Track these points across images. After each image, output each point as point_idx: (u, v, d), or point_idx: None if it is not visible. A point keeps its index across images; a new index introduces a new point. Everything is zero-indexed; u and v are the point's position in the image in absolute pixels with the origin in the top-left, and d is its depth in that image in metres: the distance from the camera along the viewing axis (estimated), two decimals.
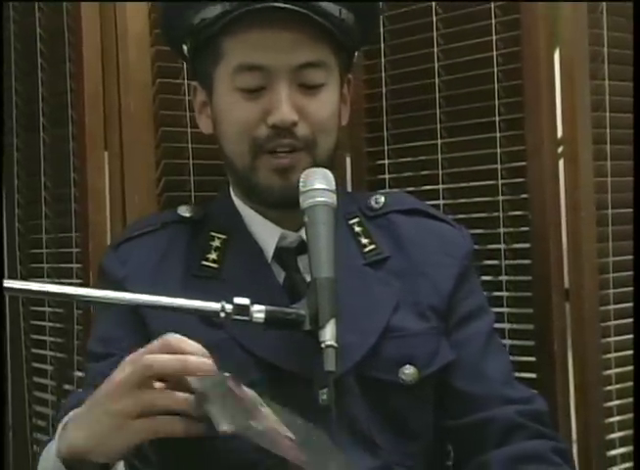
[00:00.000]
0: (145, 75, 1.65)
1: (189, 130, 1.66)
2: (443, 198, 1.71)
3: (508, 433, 1.27)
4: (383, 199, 1.38)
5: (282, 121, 1.24)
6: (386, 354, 1.25)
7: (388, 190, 1.77)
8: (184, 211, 1.36)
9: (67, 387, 1.78)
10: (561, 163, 1.61)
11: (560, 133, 1.61)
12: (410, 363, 1.26)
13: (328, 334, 1.06)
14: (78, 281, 1.70)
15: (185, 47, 1.32)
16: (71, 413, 1.07)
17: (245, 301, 1.06)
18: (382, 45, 1.78)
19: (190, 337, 1.09)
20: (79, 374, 1.72)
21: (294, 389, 1.19)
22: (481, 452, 1.27)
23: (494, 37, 1.64)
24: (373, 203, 1.37)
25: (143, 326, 1.24)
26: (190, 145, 1.67)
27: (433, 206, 1.60)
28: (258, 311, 1.07)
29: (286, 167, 1.26)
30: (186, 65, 1.43)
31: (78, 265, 1.72)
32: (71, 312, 1.75)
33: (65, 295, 1.09)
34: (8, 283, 1.05)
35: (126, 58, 1.64)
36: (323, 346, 1.05)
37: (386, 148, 1.79)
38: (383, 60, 1.79)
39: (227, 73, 1.26)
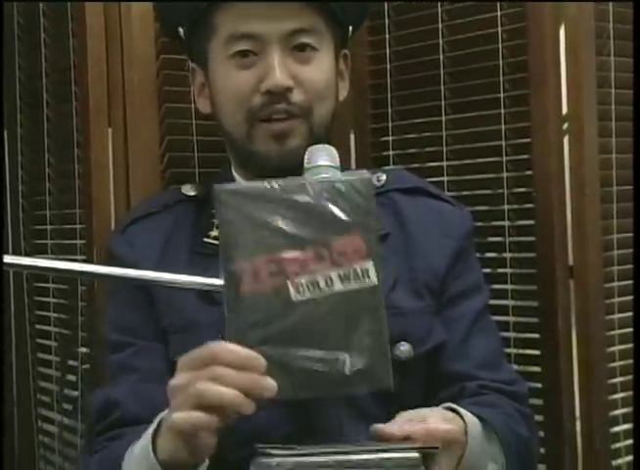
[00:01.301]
0: (149, 51, 1.65)
1: (193, 106, 1.65)
2: (447, 174, 1.71)
3: (475, 394, 1.29)
4: (384, 176, 1.38)
5: (275, 86, 1.25)
6: None
7: (391, 167, 1.77)
8: (188, 190, 1.37)
9: (71, 363, 1.79)
10: (566, 139, 1.61)
11: (565, 110, 1.61)
12: (405, 340, 1.26)
13: None
14: (82, 257, 1.69)
15: (181, 30, 1.34)
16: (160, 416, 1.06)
17: None
18: (386, 21, 1.79)
19: (192, 316, 1.10)
20: (84, 350, 1.73)
21: None
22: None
23: (499, 13, 1.64)
24: (375, 180, 1.36)
25: (152, 307, 1.25)
26: (194, 121, 1.66)
27: (436, 182, 1.65)
28: None
29: (282, 133, 1.27)
30: (183, 49, 1.43)
31: (82, 242, 1.71)
32: (76, 289, 1.75)
33: (69, 271, 1.09)
34: (14, 259, 1.06)
35: (130, 33, 1.64)
36: None
37: (390, 124, 1.79)
38: (387, 36, 1.79)
39: (220, 45, 1.28)
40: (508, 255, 1.65)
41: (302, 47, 1.27)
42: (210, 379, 0.94)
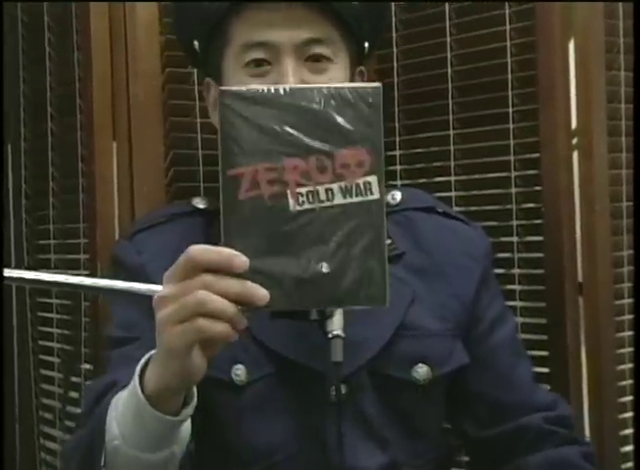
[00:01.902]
0: (154, 64, 1.65)
1: (198, 120, 1.65)
2: (455, 190, 1.70)
3: (538, 440, 1.30)
4: (399, 195, 1.38)
5: None
6: (399, 352, 1.25)
7: (399, 183, 1.77)
8: (198, 203, 1.36)
9: (74, 379, 1.78)
10: (575, 155, 1.60)
11: (574, 125, 1.60)
12: (423, 362, 1.26)
13: (335, 324, 1.06)
14: (86, 272, 1.70)
15: (196, 43, 1.33)
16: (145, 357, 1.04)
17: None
18: (394, 34, 1.77)
19: None
20: (87, 367, 1.72)
21: (306, 383, 1.20)
22: (511, 460, 1.31)
23: (508, 27, 1.63)
24: (390, 198, 1.36)
25: None
26: (199, 135, 1.66)
27: (444, 198, 1.65)
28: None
29: None
30: (197, 66, 1.44)
31: (86, 256, 1.72)
32: (79, 304, 1.75)
33: (73, 285, 1.09)
34: (17, 273, 1.06)
35: (135, 46, 1.64)
36: (330, 336, 1.06)
37: (397, 139, 1.78)
38: (395, 49, 1.78)
39: (234, 54, 1.27)
40: (516, 271, 1.64)
41: (317, 58, 1.26)
42: (200, 287, 0.92)
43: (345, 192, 0.94)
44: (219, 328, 0.91)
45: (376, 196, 0.95)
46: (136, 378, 1.00)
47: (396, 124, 1.78)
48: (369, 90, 0.95)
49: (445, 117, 1.71)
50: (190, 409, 1.02)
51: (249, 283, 0.92)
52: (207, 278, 0.92)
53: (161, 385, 0.98)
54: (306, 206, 0.94)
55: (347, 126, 0.94)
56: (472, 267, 1.34)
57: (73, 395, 1.78)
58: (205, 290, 0.91)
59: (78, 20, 1.73)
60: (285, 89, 0.94)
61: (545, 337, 1.61)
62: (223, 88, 0.96)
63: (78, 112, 1.74)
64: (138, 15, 1.64)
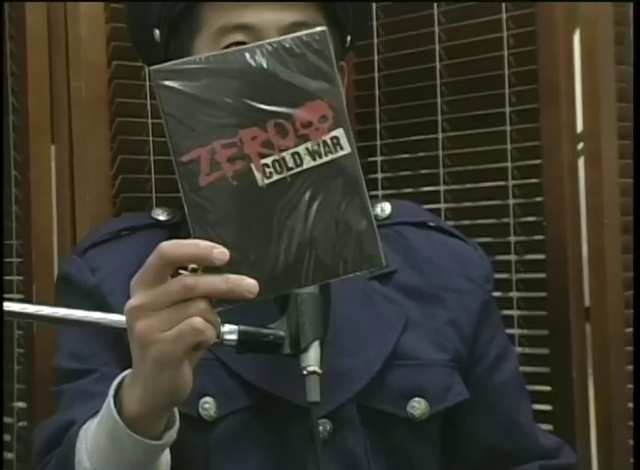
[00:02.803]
0: (99, 56, 1.64)
1: (150, 121, 1.65)
2: (445, 201, 1.71)
3: None
4: (389, 207, 1.38)
5: None
6: (392, 384, 1.26)
7: (381, 193, 1.78)
8: (159, 215, 1.36)
9: (7, 420, 1.73)
10: (581, 161, 1.62)
11: (580, 127, 1.61)
12: (420, 396, 1.26)
13: (311, 358, 1.06)
14: (19, 296, 1.67)
15: (157, 32, 1.33)
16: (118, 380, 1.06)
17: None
18: (374, 24, 1.78)
19: None
20: (20, 405, 1.70)
21: (285, 419, 1.20)
22: None
23: (504, 15, 1.64)
24: (378, 211, 1.37)
25: (120, 338, 1.21)
26: (151, 138, 1.65)
27: (432, 210, 1.61)
28: (230, 332, 1.06)
29: None
30: (152, 61, 1.39)
31: (19, 278, 1.68)
32: (11, 333, 1.71)
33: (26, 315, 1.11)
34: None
35: (77, 36, 1.63)
36: (305, 372, 1.05)
37: (378, 142, 1.79)
38: (375, 40, 1.78)
39: (208, 40, 1.27)
40: (515, 294, 1.64)
41: None
42: (181, 292, 0.94)
43: (314, 153, 0.96)
44: (212, 329, 0.95)
45: (347, 150, 0.96)
46: (111, 401, 1.02)
47: (377, 126, 1.79)
48: (314, 36, 0.96)
49: (433, 118, 1.72)
50: (173, 432, 1.04)
51: (232, 276, 0.94)
52: (187, 278, 0.94)
53: (147, 405, 1.00)
54: (275, 177, 0.96)
55: (299, 81, 0.96)
56: (471, 293, 1.34)
57: (6, 437, 1.73)
58: (185, 292, 0.94)
59: (12, 6, 1.67)
60: (222, 54, 0.97)
61: (548, 369, 1.62)
62: (155, 67, 0.96)
63: (11, 111, 1.70)
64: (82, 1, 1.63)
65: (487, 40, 1.65)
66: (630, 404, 1.61)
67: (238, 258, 0.95)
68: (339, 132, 0.96)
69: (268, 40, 0.97)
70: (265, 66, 0.96)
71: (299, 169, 0.96)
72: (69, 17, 1.63)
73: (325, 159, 0.96)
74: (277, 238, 0.96)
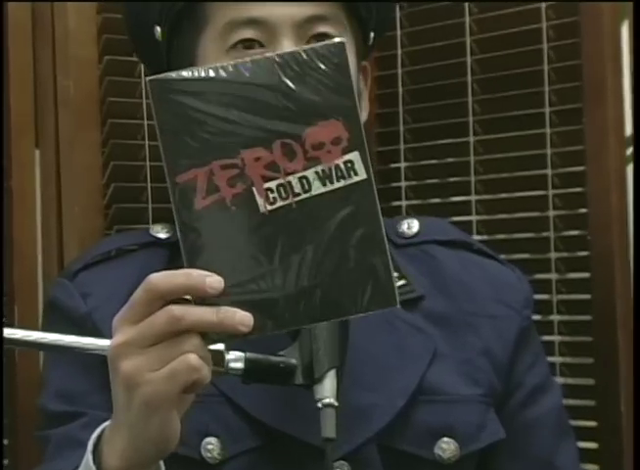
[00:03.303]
0: (89, 50, 1.63)
1: (145, 122, 1.64)
2: (477, 213, 1.70)
3: None
4: (416, 224, 1.37)
5: None
6: (418, 422, 1.24)
7: (404, 203, 1.77)
8: (158, 232, 1.34)
9: None
10: (629, 168, 1.60)
11: (628, 130, 1.60)
12: (449, 436, 1.24)
13: (326, 390, 1.04)
14: None
15: (158, 29, 1.31)
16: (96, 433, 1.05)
17: (218, 346, 1.02)
18: (397, 14, 1.77)
19: None
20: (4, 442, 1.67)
21: (300, 461, 1.19)
22: None
23: (544, 5, 1.63)
24: (404, 228, 1.36)
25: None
26: (147, 142, 1.64)
27: (462, 223, 1.66)
28: (235, 360, 1.04)
29: None
30: (152, 60, 1.42)
31: None
32: None
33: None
34: None
35: (65, 28, 1.62)
36: (319, 405, 1.03)
37: (402, 147, 1.77)
38: (399, 33, 1.77)
39: (215, 36, 1.26)
40: (556, 317, 1.63)
41: (321, 39, 1.23)
42: (168, 324, 0.93)
43: (324, 178, 0.94)
44: (207, 368, 0.94)
45: (362, 176, 0.94)
46: (89, 458, 1.01)
47: (400, 128, 1.78)
48: (331, 48, 0.94)
49: (464, 120, 1.71)
50: None
51: (225, 307, 0.93)
52: (175, 308, 0.93)
53: (131, 458, 0.98)
54: (279, 203, 0.94)
55: (312, 97, 0.94)
56: (507, 319, 1.33)
57: None
58: (172, 323, 0.92)
59: None
60: (227, 66, 0.95)
61: (593, 402, 1.60)
62: (152, 77, 0.95)
63: None
64: None
65: (525, 32, 1.64)
66: None
67: (234, 291, 0.94)
68: (354, 156, 0.94)
69: (278, 51, 0.96)
70: (274, 79, 0.94)
71: (307, 196, 0.94)
72: (56, 6, 1.62)
73: (337, 185, 0.94)
74: (280, 270, 0.94)
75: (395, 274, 1.26)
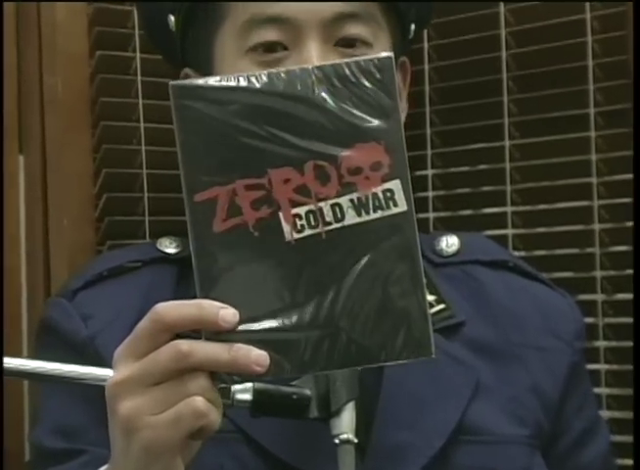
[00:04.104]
0: (79, 45, 1.63)
1: (142, 125, 1.63)
2: (513, 226, 1.69)
3: None
4: (457, 241, 1.36)
5: None
6: (458, 465, 1.22)
7: (432, 215, 1.76)
8: (166, 246, 1.34)
9: None
10: None
11: None
12: None
13: (344, 424, 1.03)
14: None
15: (172, 18, 1.32)
16: None
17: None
18: None
19: None
20: None
21: None
22: None
23: None
24: (443, 245, 1.35)
25: None
26: (144, 147, 1.64)
27: (497, 237, 1.63)
28: (243, 391, 1.03)
29: None
30: (169, 52, 1.42)
31: None
32: None
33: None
34: None
35: (52, 19, 1.61)
36: (336, 441, 1.02)
37: (429, 152, 1.77)
38: None
39: (233, 34, 1.25)
40: (602, 343, 1.62)
41: (351, 41, 1.24)
42: (174, 360, 0.92)
43: (360, 207, 0.93)
44: (216, 412, 0.93)
45: (402, 208, 0.93)
46: None
47: (427, 131, 1.78)
48: (376, 62, 0.93)
49: (498, 121, 1.71)
50: None
51: (238, 344, 0.92)
52: (183, 343, 0.92)
53: None
54: (307, 232, 0.93)
55: (352, 116, 0.93)
56: (558, 352, 1.32)
57: None
58: (179, 360, 0.92)
59: None
60: (260, 76, 0.93)
61: None
62: (175, 83, 0.94)
63: None
64: None
65: (566, 24, 1.64)
66: None
67: (251, 327, 0.92)
68: (394, 185, 0.92)
69: (317, 63, 0.95)
70: (311, 93, 0.93)
71: (339, 225, 0.93)
72: None
73: (373, 215, 0.93)
74: (302, 307, 0.93)
75: (433, 297, 1.31)
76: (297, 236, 0.93)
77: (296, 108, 0.93)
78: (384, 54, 0.94)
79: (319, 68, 0.94)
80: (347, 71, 0.93)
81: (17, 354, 1.50)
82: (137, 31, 1.61)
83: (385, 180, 0.92)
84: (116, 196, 1.62)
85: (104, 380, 1.02)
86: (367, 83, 0.93)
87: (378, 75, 0.93)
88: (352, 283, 0.93)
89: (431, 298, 1.32)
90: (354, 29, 1.24)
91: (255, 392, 1.03)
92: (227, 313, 0.91)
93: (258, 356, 0.91)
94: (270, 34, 1.23)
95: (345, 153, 0.92)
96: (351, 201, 0.93)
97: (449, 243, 1.36)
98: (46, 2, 1.60)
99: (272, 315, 0.93)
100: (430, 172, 1.76)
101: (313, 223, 0.93)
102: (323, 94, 0.93)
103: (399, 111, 0.94)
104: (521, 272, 1.36)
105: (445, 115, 1.76)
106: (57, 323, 1.28)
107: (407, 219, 0.93)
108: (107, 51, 1.62)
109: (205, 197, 0.92)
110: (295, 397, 1.05)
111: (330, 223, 0.93)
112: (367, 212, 0.93)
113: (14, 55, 1.62)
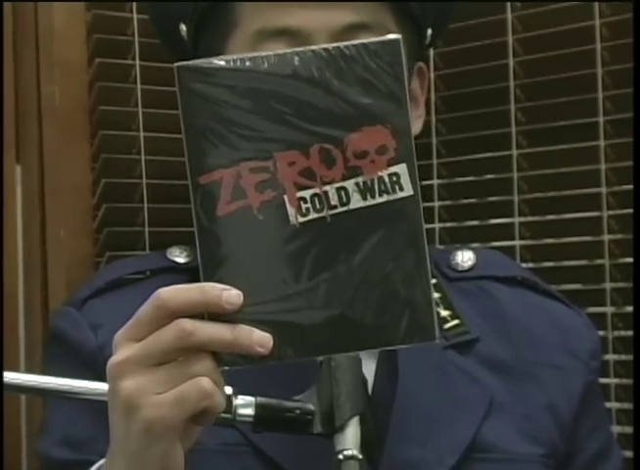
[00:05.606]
0: (77, 52, 1.63)
1: (142, 135, 1.64)
2: (520, 237, 1.69)
3: None
4: (472, 256, 1.37)
5: None
6: None
7: (438, 226, 1.77)
8: (177, 256, 1.35)
9: None
10: None
11: None
12: None
13: (348, 440, 1.03)
14: None
15: (184, 27, 1.34)
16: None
17: (226, 389, 1.01)
18: None
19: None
20: None
21: None
22: None
23: None
24: (458, 260, 1.37)
25: None
26: (143, 156, 1.64)
27: (504, 248, 1.65)
28: (245, 405, 1.04)
29: None
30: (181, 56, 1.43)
31: None
32: None
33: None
34: None
35: (49, 26, 1.61)
36: (340, 457, 1.01)
37: (434, 161, 1.78)
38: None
39: (244, 44, 1.27)
40: (611, 357, 1.63)
41: None
42: (177, 339, 0.93)
43: (365, 191, 0.94)
44: (220, 394, 0.94)
45: (408, 192, 0.94)
46: None
47: (433, 140, 1.78)
48: (384, 44, 0.94)
49: (505, 130, 1.71)
50: None
51: (241, 325, 0.93)
52: (186, 322, 0.92)
53: None
54: (312, 215, 0.94)
55: (358, 99, 0.94)
56: (574, 371, 1.32)
57: None
58: (182, 339, 0.92)
59: None
60: (266, 57, 0.94)
61: None
62: (180, 63, 0.94)
63: None
64: None
65: (574, 31, 1.64)
66: None
67: (254, 310, 0.93)
68: (400, 168, 0.93)
69: (325, 45, 0.95)
70: (317, 75, 0.94)
71: (344, 209, 0.93)
72: (40, 2, 1.62)
73: (378, 200, 0.94)
74: (306, 291, 0.94)
75: (448, 312, 1.32)
76: (301, 219, 0.94)
77: (301, 90, 0.94)
78: (392, 36, 0.95)
79: (325, 49, 0.94)
80: (355, 53, 0.94)
81: (14, 367, 1.53)
82: (137, 39, 1.62)
83: (391, 164, 0.93)
84: (116, 206, 1.63)
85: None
86: (374, 66, 0.94)
87: (386, 58, 0.93)
88: (357, 267, 0.94)
89: (445, 313, 1.33)
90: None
91: (258, 406, 1.03)
92: (231, 295, 0.92)
93: (261, 337, 0.92)
94: (280, 46, 1.23)
95: (351, 136, 0.93)
96: (357, 184, 0.94)
97: (465, 258, 1.37)
98: (44, 7, 1.60)
99: (276, 299, 0.94)
100: (435, 182, 1.77)
101: (318, 207, 0.94)
102: (330, 76, 0.94)
103: (407, 94, 0.94)
104: (537, 289, 1.37)
105: (451, 123, 1.76)
106: (65, 333, 1.29)
107: (413, 204, 0.94)
108: (106, 59, 1.62)
109: (209, 179, 0.94)
110: (298, 412, 1.05)
111: (335, 207, 0.94)
112: (372, 196, 0.94)
113: (11, 63, 1.62)
